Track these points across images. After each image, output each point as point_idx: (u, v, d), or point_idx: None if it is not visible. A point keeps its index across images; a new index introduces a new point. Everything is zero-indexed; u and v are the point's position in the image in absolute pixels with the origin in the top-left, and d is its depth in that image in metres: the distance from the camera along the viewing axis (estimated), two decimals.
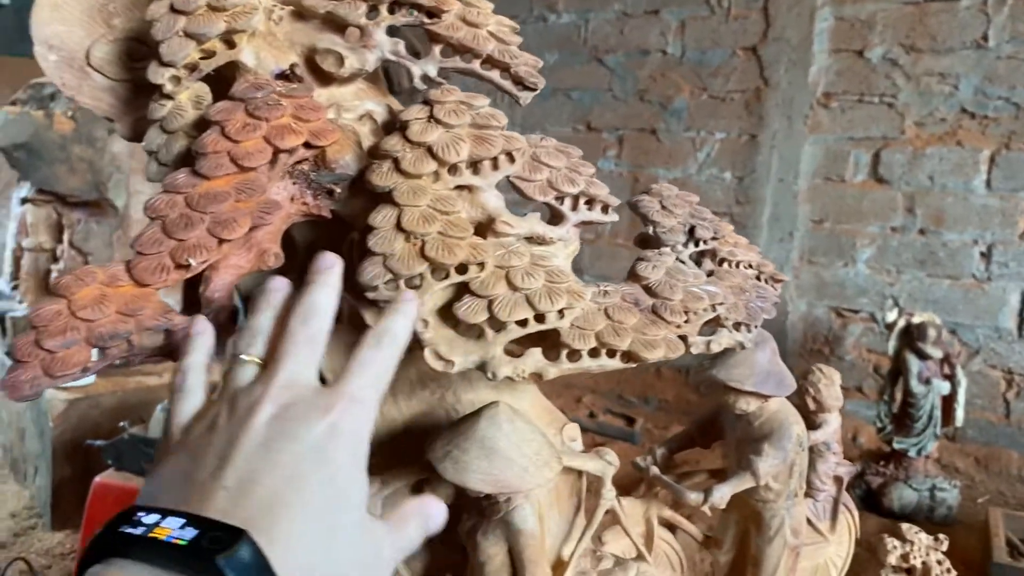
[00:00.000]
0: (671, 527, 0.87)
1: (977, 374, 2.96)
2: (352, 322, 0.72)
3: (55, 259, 2.62)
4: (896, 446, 2.70)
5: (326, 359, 0.73)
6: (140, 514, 0.43)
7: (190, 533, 0.41)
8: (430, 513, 0.53)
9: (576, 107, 3.66)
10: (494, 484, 0.63)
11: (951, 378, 2.64)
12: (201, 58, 0.65)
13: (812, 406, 0.91)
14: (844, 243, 3.19)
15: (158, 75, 0.64)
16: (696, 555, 0.87)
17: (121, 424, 2.06)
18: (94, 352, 0.57)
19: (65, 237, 2.57)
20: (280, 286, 0.56)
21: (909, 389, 2.67)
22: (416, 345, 0.72)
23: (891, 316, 2.74)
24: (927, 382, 2.66)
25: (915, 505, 2.61)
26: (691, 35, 3.41)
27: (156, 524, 0.42)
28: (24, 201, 2.63)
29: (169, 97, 0.65)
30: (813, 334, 3.24)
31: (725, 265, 0.77)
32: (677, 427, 3.34)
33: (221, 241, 0.59)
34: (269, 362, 0.51)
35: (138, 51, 0.72)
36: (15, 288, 2.75)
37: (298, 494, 0.45)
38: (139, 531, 0.42)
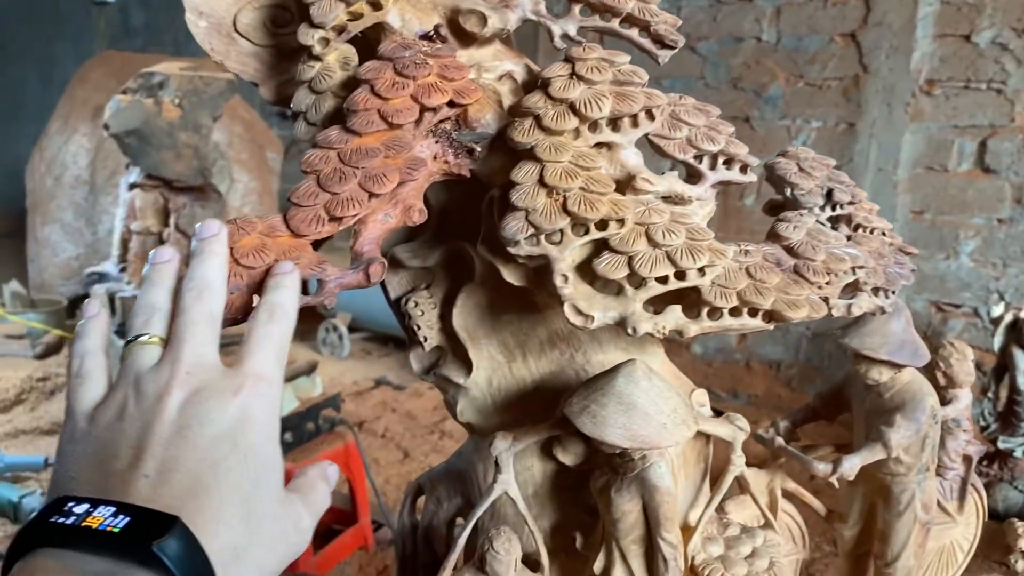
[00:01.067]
0: (793, 499, 0.86)
1: None
2: (485, 282, 0.73)
3: (161, 242, 2.72)
4: (1001, 445, 2.59)
5: (459, 317, 0.75)
6: (70, 504, 0.43)
7: (122, 521, 0.42)
8: (329, 474, 0.55)
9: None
10: (632, 439, 0.63)
11: None
12: (349, 20, 0.67)
13: (943, 381, 0.88)
14: (946, 235, 3.08)
15: (308, 36, 0.66)
16: (819, 528, 0.86)
17: None
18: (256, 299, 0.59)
19: (171, 221, 2.67)
20: (167, 256, 0.55)
21: (1015, 386, 2.57)
22: (547, 304, 0.73)
23: (997, 310, 2.63)
24: None
25: (1020, 506, 2.51)
26: (787, 21, 3.33)
27: (87, 513, 0.42)
28: (132, 186, 2.74)
29: (318, 58, 0.67)
30: None
31: (860, 231, 0.75)
32: (766, 422, 3.28)
33: (371, 195, 0.61)
34: (170, 343, 0.51)
35: (282, 17, 0.75)
36: (123, 270, 2.86)
37: (218, 477, 0.45)
38: (71, 520, 0.42)
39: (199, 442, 0.46)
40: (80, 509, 0.43)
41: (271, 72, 0.75)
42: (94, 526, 0.42)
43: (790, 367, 3.43)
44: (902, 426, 0.78)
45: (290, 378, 2.33)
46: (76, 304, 4.33)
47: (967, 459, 0.91)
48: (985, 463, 2.66)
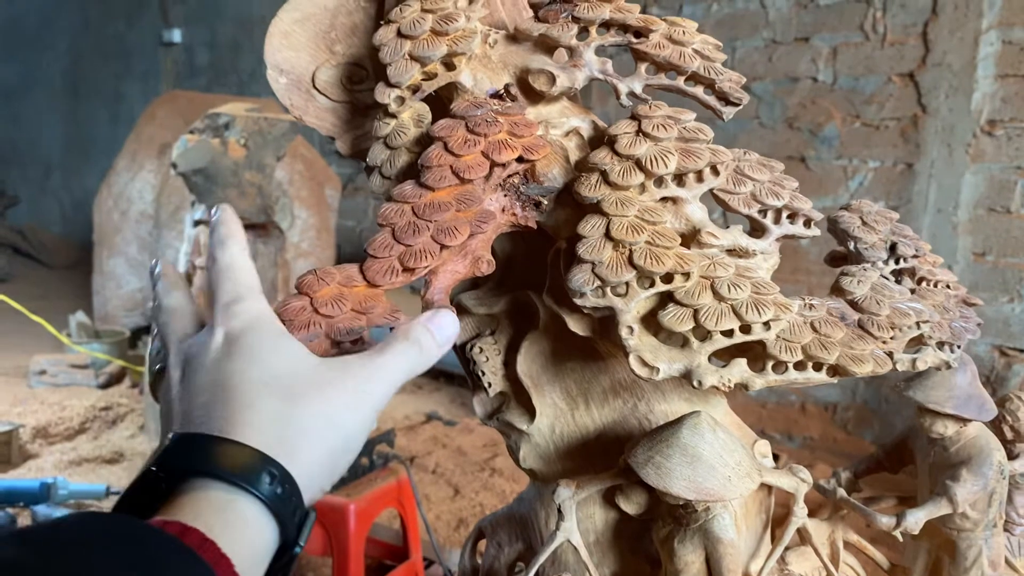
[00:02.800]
0: (855, 552, 0.85)
1: None
2: (549, 330, 0.75)
3: None
4: None
5: (523, 364, 0.76)
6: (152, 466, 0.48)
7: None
8: (432, 325, 0.59)
9: (722, 135, 3.61)
10: (697, 491, 0.63)
11: None
12: (423, 79, 0.69)
13: (1010, 435, 0.86)
14: (1009, 277, 3.02)
15: (384, 95, 0.69)
16: None
17: None
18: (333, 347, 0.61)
19: None
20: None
21: None
22: (610, 353, 0.74)
23: None
24: None
25: None
26: (843, 61, 3.32)
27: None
28: (198, 223, 2.83)
29: (393, 116, 0.70)
30: None
31: (924, 284, 0.75)
32: (822, 465, 3.21)
33: (443, 247, 0.63)
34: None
35: (358, 75, 0.78)
36: None
37: (229, 393, 0.50)
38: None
39: (202, 382, 0.52)
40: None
41: (347, 127, 0.79)
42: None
43: (846, 410, 3.37)
44: (968, 481, 0.77)
45: None
46: (139, 335, 4.46)
47: None
48: None
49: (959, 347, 0.72)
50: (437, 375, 4.15)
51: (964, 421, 0.78)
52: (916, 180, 3.16)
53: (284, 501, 0.48)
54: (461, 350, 0.79)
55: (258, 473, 0.47)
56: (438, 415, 3.67)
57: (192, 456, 0.48)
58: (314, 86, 0.78)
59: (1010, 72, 2.96)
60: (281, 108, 0.82)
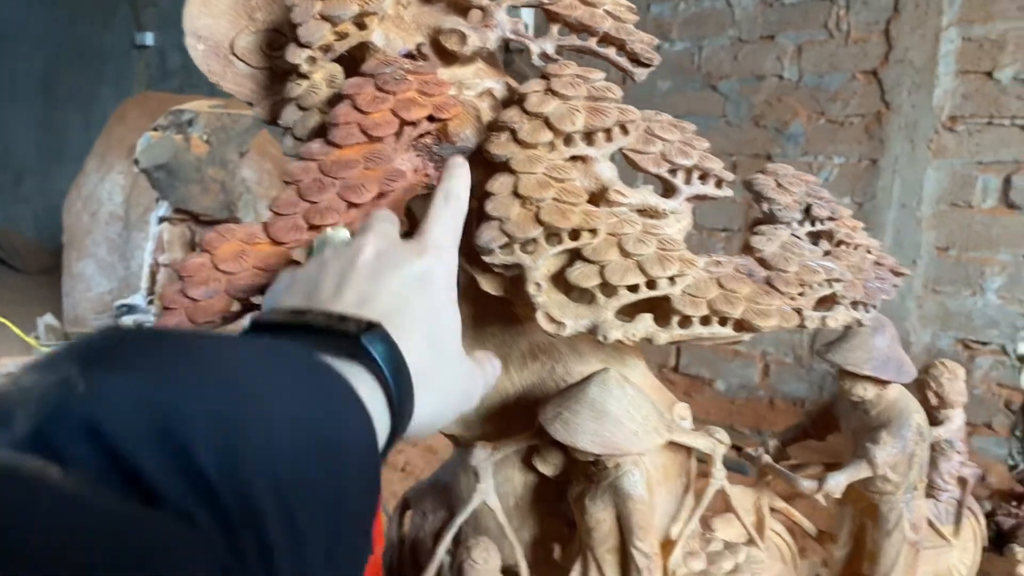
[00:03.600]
0: (785, 520, 0.85)
1: None
2: (467, 294, 0.75)
3: None
4: None
5: None
6: (284, 310, 0.48)
7: (332, 321, 0.45)
8: (494, 363, 0.60)
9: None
10: (603, 445, 0.63)
11: None
12: (335, 39, 0.69)
13: (934, 401, 0.87)
14: (972, 272, 3.04)
15: (296, 56, 0.69)
16: (809, 549, 0.85)
17: None
18: (235, 304, 0.61)
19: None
20: None
21: None
22: (528, 316, 0.74)
23: (1023, 347, 2.59)
24: None
25: None
26: (808, 59, 3.35)
27: (301, 315, 0.46)
28: (161, 220, 2.81)
29: (305, 76, 0.70)
30: None
31: (842, 246, 0.75)
32: (792, 461, 3.23)
33: (350, 205, 0.63)
34: (360, 230, 0.57)
35: (277, 41, 0.78)
36: (151, 302, 2.92)
37: (408, 313, 0.50)
38: (288, 319, 0.46)
39: (392, 283, 0.51)
40: (293, 313, 0.47)
41: (266, 93, 0.78)
42: (307, 323, 0.45)
43: (814, 404, 3.39)
44: (888, 443, 0.77)
45: None
46: None
47: (962, 481, 0.90)
48: (1015, 503, 2.59)
49: (874, 307, 0.72)
50: None
51: (883, 383, 0.78)
52: (880, 176, 3.18)
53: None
54: None
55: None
56: None
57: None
58: (233, 52, 0.78)
59: (970, 68, 2.99)
60: (247, 104, 0.82)
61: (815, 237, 0.76)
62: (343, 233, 0.60)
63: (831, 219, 0.75)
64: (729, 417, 3.51)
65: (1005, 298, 2.99)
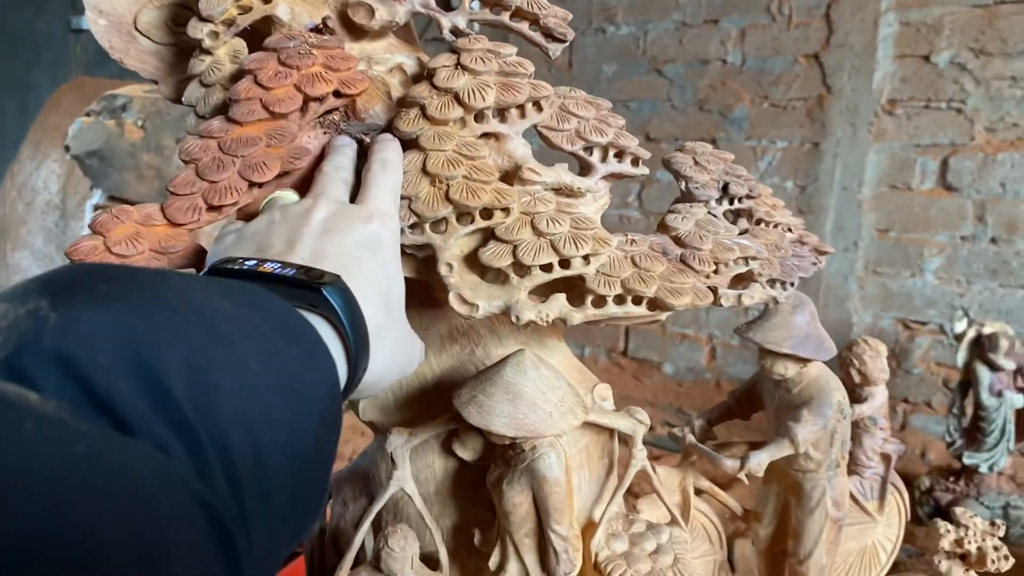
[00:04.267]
0: (712, 500, 0.85)
1: None
2: None
3: None
4: (967, 461, 2.59)
5: None
6: (240, 258, 0.48)
7: (291, 271, 0.47)
8: (422, 344, 0.61)
9: (634, 118, 3.64)
10: (518, 428, 0.62)
11: None
12: (238, 13, 0.67)
13: (857, 379, 0.88)
14: (911, 253, 3.10)
15: (197, 30, 0.66)
16: (734, 529, 0.85)
17: None
18: None
19: None
20: (346, 142, 0.65)
21: (980, 402, 2.57)
22: (446, 299, 0.73)
23: (960, 327, 2.65)
24: (999, 395, 2.56)
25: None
26: (751, 43, 3.37)
27: (258, 264, 0.47)
28: (96, 208, 2.73)
29: (208, 52, 0.67)
30: None
31: (761, 225, 0.75)
32: (736, 439, 3.27)
33: (251, 184, 0.60)
34: (309, 192, 0.58)
35: (183, 16, 0.75)
36: None
37: (362, 272, 0.51)
38: (245, 267, 0.47)
39: (344, 243, 0.52)
40: (250, 263, 0.48)
41: (171, 70, 0.75)
42: (267, 271, 0.47)
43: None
44: (809, 421, 0.77)
45: None
46: None
47: (886, 457, 0.91)
48: (952, 479, 2.66)
49: (791, 284, 0.72)
50: None
51: (804, 361, 0.79)
52: (822, 159, 3.22)
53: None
54: None
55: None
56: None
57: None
58: (136, 28, 0.74)
59: (908, 52, 3.04)
60: (151, 82, 0.79)
61: (735, 216, 0.76)
62: (292, 195, 0.60)
63: (749, 197, 0.74)
64: (677, 399, 3.54)
65: (943, 279, 3.05)
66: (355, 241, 0.52)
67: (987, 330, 2.59)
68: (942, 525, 0.88)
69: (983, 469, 2.58)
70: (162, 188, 2.62)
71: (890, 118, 3.09)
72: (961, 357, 2.63)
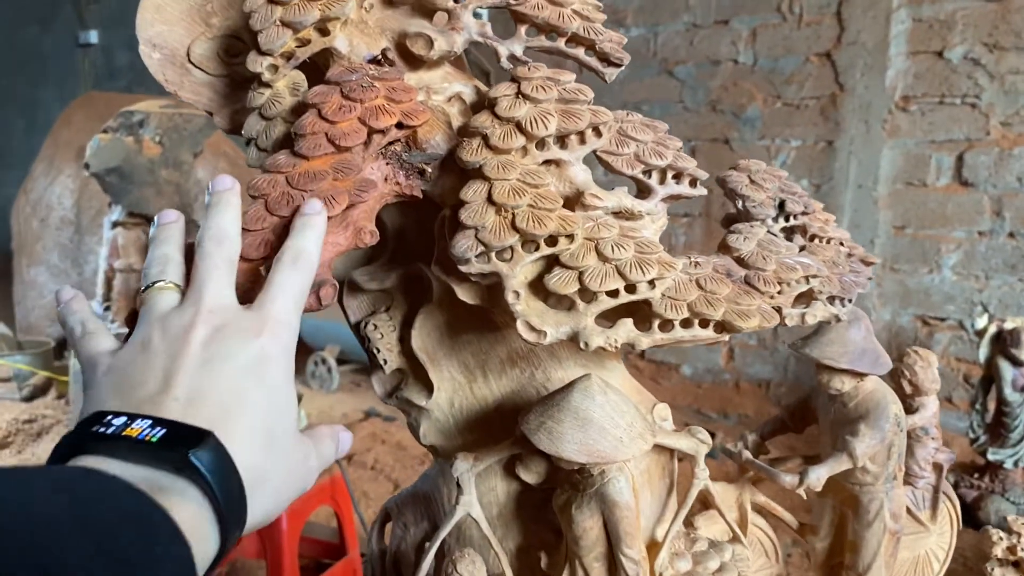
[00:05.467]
0: (765, 514, 0.86)
1: None
2: (443, 302, 0.73)
3: None
4: (991, 457, 2.59)
5: (418, 338, 0.75)
6: (108, 417, 0.45)
7: (159, 432, 0.44)
8: (342, 437, 0.58)
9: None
10: (588, 454, 0.62)
11: None
12: (297, 46, 0.67)
13: (909, 389, 0.88)
14: (928, 249, 3.10)
15: (256, 64, 0.67)
16: (791, 542, 0.85)
17: None
18: None
19: None
20: (173, 217, 0.59)
21: (1003, 397, 2.57)
22: (505, 323, 0.73)
23: (981, 322, 2.64)
24: (1022, 390, 2.56)
25: None
26: (763, 43, 3.37)
27: (126, 425, 0.45)
28: (115, 224, 2.74)
29: (267, 85, 0.68)
30: (898, 343, 3.14)
31: (816, 241, 0.75)
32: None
33: None
34: (191, 286, 0.53)
35: (235, 47, 0.75)
36: (107, 308, 2.86)
37: (242, 406, 0.48)
38: (111, 431, 0.44)
39: (224, 374, 0.49)
40: (118, 421, 0.45)
41: (225, 101, 0.76)
42: (133, 435, 0.44)
43: (779, 386, 3.43)
44: (867, 435, 0.77)
45: None
46: (63, 346, 4.32)
47: (937, 467, 0.91)
48: (976, 475, 2.66)
49: (850, 300, 0.72)
50: None
51: (860, 376, 0.79)
52: (837, 157, 3.22)
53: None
54: (356, 328, 0.77)
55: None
56: (376, 411, 3.63)
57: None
58: (189, 60, 0.75)
59: (921, 49, 3.04)
60: (207, 114, 0.80)
61: (788, 232, 0.76)
62: (169, 297, 0.54)
63: (804, 213, 0.75)
64: (696, 401, 3.54)
65: (961, 274, 3.05)
66: (240, 368, 0.49)
67: (1008, 325, 2.59)
68: (995, 532, 0.88)
69: (1008, 465, 2.57)
70: (181, 203, 2.63)
71: (904, 115, 3.09)
72: (983, 353, 2.62)
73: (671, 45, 3.58)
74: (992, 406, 2.62)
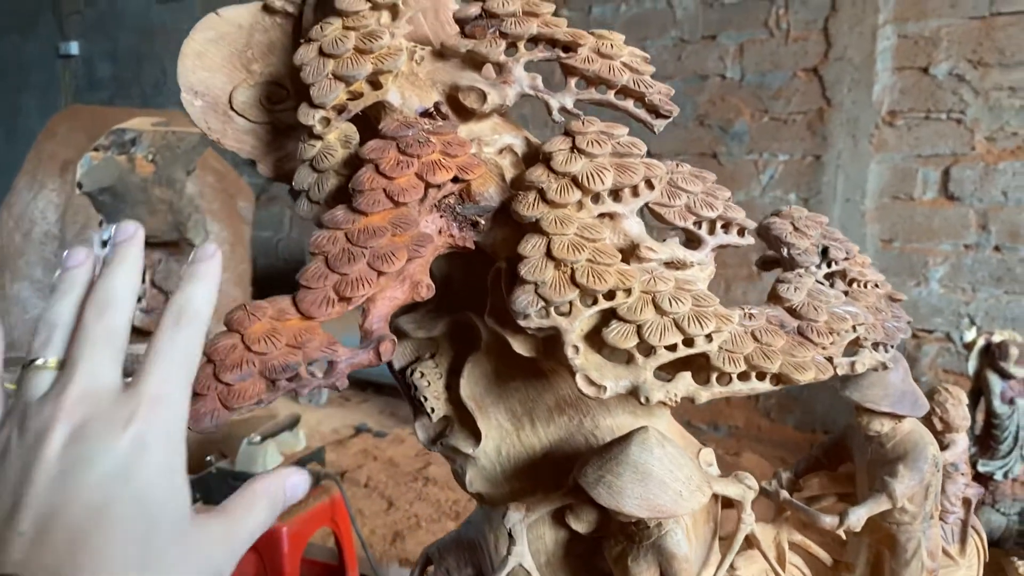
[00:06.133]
0: (800, 552, 0.86)
1: None
2: (491, 351, 0.73)
3: (137, 299, 2.68)
4: (981, 469, 2.62)
5: (467, 386, 0.75)
6: None
7: None
8: (290, 484, 0.51)
9: (635, 134, 3.66)
10: (650, 508, 0.63)
11: None
12: (349, 99, 0.67)
13: (939, 426, 0.89)
14: (915, 262, 3.14)
15: (308, 116, 0.67)
16: None
17: (208, 459, 2.10)
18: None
19: (147, 276, 2.64)
20: (80, 260, 0.51)
21: (992, 410, 2.60)
22: (553, 370, 0.74)
23: (969, 335, 2.67)
24: (1011, 402, 2.59)
25: (1003, 530, 2.53)
26: (750, 58, 3.40)
27: None
28: (106, 244, 2.71)
29: (319, 137, 0.68)
30: None
31: (855, 285, 0.76)
32: (749, 454, 3.29)
33: (380, 274, 0.61)
34: (64, 367, 0.46)
35: (277, 94, 0.75)
36: None
37: (105, 527, 0.41)
38: None
39: (83, 488, 0.41)
40: None
41: (268, 149, 0.76)
42: None
43: (768, 398, 3.46)
44: (906, 476, 0.79)
45: (273, 434, 2.30)
46: None
47: (967, 502, 0.93)
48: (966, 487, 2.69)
49: (893, 346, 0.73)
50: (365, 386, 4.09)
51: (899, 418, 0.80)
52: (824, 171, 3.26)
53: None
54: (401, 375, 0.77)
55: None
56: (367, 427, 3.61)
57: None
58: (232, 107, 0.75)
59: (906, 64, 3.08)
60: (189, 121, 0.79)
61: (830, 277, 0.77)
62: (43, 380, 0.46)
63: (846, 259, 0.76)
64: (687, 413, 3.55)
65: (948, 287, 3.09)
66: (101, 475, 0.42)
67: (996, 338, 2.62)
68: (1020, 564, 0.89)
69: (998, 476, 2.60)
70: (174, 222, 2.60)
71: (891, 129, 3.13)
72: (972, 366, 2.65)
73: (659, 60, 3.60)
74: (981, 418, 2.65)
